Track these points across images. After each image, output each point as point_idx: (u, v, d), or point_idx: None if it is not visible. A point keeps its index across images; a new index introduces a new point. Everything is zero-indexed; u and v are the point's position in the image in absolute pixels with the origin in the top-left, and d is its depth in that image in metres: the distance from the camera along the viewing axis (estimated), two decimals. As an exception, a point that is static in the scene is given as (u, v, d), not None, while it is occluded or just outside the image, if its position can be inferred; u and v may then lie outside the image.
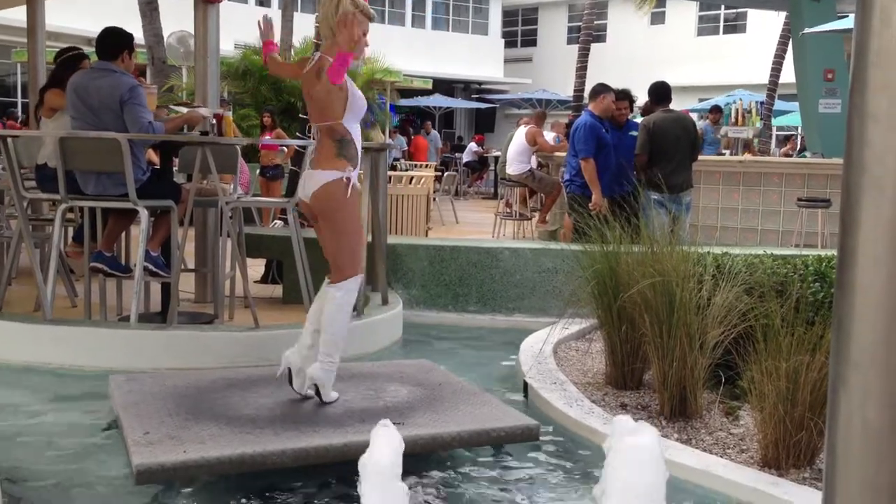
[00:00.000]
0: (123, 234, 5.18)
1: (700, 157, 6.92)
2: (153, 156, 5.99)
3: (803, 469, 3.00)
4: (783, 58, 17.78)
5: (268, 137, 9.83)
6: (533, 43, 32.49)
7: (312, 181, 3.51)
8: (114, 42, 4.70)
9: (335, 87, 3.42)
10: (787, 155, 15.79)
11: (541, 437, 3.36)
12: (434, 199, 10.86)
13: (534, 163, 10.17)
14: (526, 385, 4.06)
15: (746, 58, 24.45)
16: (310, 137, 5.84)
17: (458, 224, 12.03)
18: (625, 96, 6.79)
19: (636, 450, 1.85)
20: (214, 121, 4.92)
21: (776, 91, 18.42)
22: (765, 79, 18.64)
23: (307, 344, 3.53)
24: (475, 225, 11.69)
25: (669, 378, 3.54)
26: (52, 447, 3.31)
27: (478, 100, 28.70)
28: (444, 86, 26.70)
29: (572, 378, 4.12)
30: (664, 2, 25.46)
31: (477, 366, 4.76)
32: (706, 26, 28.31)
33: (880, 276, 1.46)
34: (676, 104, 6.97)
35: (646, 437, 1.87)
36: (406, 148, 18.84)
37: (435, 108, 24.59)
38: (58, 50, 5.56)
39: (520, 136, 10.17)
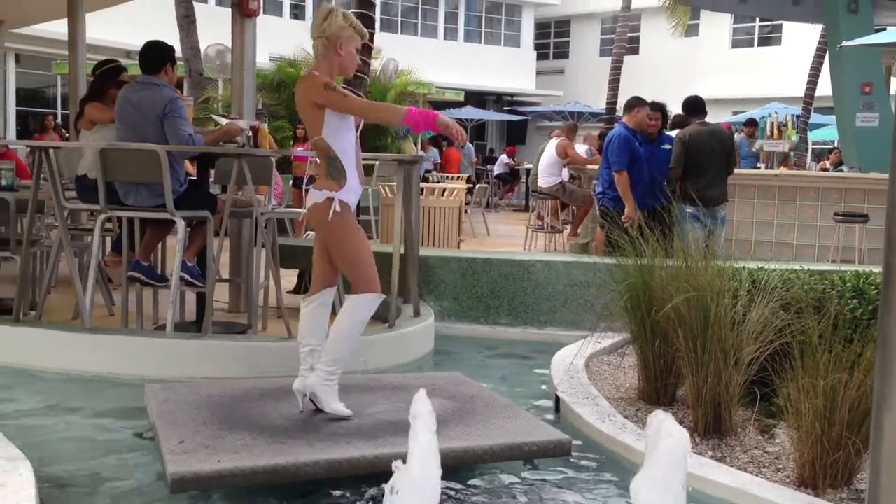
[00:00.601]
0: (160, 245, 5.26)
1: (735, 171, 6.87)
2: (189, 167, 6.08)
3: (840, 489, 2.95)
4: (819, 70, 17.58)
5: (301, 149, 9.91)
6: (565, 55, 32.47)
7: (308, 200, 3.53)
8: (157, 56, 4.79)
9: (310, 104, 3.44)
10: (824, 169, 15.57)
11: (572, 453, 3.34)
12: (466, 212, 10.86)
13: (565, 175, 10.14)
14: (558, 399, 4.04)
15: (782, 70, 24.23)
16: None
17: (490, 236, 12.01)
18: (658, 108, 6.77)
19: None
20: (251, 132, 4.99)
21: (812, 104, 18.20)
22: (800, 91, 18.42)
23: (308, 366, 3.52)
24: (506, 237, 11.68)
25: (704, 394, 3.51)
26: (87, 454, 3.36)
27: (510, 112, 28.70)
28: (476, 98, 26.76)
29: (604, 393, 4.09)
30: (698, 14, 25.30)
31: (508, 379, 4.76)
32: (741, 38, 28.10)
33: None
34: (710, 117, 6.92)
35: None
36: (439, 160, 18.88)
37: (467, 120, 24.65)
38: (96, 62, 5.67)
39: (551, 148, 10.17)
